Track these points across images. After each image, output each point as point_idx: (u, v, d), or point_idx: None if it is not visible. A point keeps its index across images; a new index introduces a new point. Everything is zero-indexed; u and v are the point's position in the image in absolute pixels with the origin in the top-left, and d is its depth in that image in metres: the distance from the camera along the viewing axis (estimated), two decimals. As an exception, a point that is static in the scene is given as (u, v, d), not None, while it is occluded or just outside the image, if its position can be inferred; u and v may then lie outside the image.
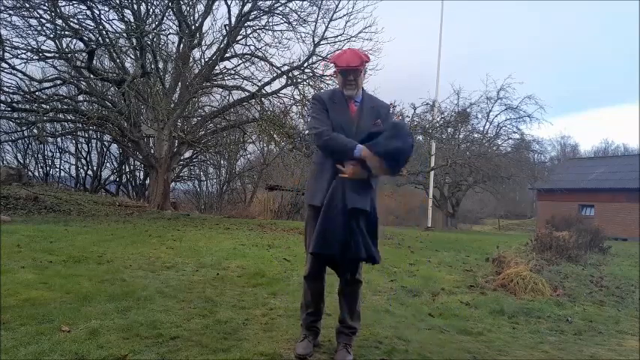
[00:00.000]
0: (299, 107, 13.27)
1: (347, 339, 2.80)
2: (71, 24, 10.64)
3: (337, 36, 13.18)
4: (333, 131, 2.67)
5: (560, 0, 61.41)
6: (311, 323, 2.86)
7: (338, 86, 2.82)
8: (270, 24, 13.20)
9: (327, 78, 12.90)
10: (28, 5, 9.64)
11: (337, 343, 2.82)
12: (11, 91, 11.37)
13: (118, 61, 12.99)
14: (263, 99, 13.59)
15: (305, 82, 13.22)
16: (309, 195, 2.80)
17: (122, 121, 13.07)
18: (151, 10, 12.26)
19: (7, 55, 10.16)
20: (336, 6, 12.85)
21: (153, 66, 12.91)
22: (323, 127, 2.69)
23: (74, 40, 11.29)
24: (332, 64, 2.79)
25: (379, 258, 2.63)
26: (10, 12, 9.65)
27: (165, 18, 12.20)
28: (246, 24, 13.26)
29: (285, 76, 13.44)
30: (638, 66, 56.98)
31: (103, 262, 5.06)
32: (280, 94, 13.78)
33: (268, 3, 12.85)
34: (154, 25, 11.75)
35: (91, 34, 11.32)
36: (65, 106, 12.75)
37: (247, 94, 13.83)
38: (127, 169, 21.55)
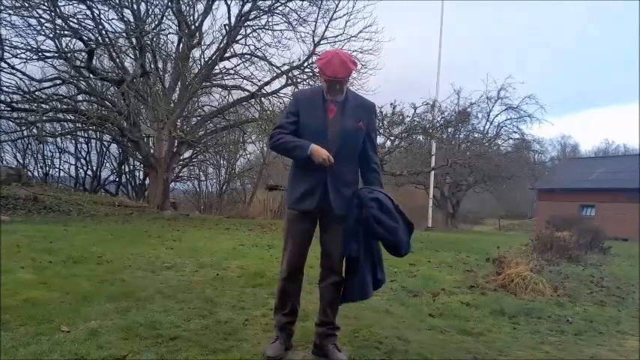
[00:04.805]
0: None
1: (335, 339, 2.77)
2: (71, 23, 10.65)
3: (337, 36, 13.19)
4: (305, 134, 2.63)
5: (561, 0, 61.37)
6: (285, 324, 2.78)
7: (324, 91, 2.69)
8: (270, 24, 13.21)
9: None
10: (27, 5, 9.62)
11: (323, 346, 2.73)
12: (11, 90, 11.36)
13: (117, 60, 12.97)
14: (263, 99, 13.59)
15: (305, 82, 13.22)
16: (292, 198, 2.72)
17: (122, 121, 13.06)
18: (151, 9, 12.27)
19: (6, 54, 10.15)
20: (336, 6, 12.86)
21: (152, 66, 12.91)
22: (276, 130, 2.69)
23: (74, 40, 11.29)
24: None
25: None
26: (10, 11, 9.65)
27: (164, 17, 12.21)
28: (245, 24, 13.26)
29: (285, 76, 13.44)
30: (638, 66, 56.97)
31: (103, 263, 5.05)
32: (280, 94, 13.79)
33: (268, 3, 12.86)
34: (153, 25, 11.74)
35: (90, 34, 11.32)
36: (65, 106, 12.74)
37: (247, 93, 13.83)
38: (127, 169, 21.55)
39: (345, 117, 2.67)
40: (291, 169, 2.84)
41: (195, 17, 13.40)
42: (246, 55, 13.81)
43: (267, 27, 13.26)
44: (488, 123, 26.14)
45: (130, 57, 13.41)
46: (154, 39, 12.31)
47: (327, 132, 2.63)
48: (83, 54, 11.49)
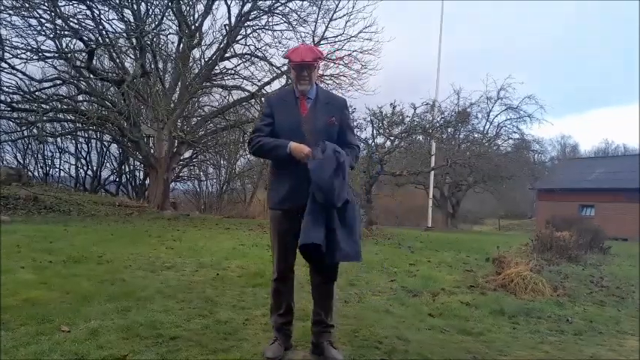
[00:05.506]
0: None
1: (329, 336, 2.76)
2: (71, 24, 10.65)
3: (337, 36, 13.21)
4: (281, 133, 2.65)
5: (561, 0, 61.36)
6: (282, 325, 2.79)
7: (293, 84, 2.75)
8: (270, 24, 13.22)
9: (327, 77, 12.90)
10: (27, 5, 9.63)
11: (319, 344, 2.73)
12: (11, 91, 11.38)
13: (117, 61, 12.98)
14: (263, 99, 13.59)
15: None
16: (276, 199, 2.73)
17: (122, 121, 13.07)
18: (151, 9, 12.28)
19: (6, 54, 10.16)
20: (336, 6, 12.88)
21: (152, 66, 12.90)
22: (254, 135, 2.72)
23: (74, 40, 11.29)
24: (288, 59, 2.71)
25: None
26: (10, 12, 9.65)
27: (164, 18, 12.21)
28: (246, 24, 13.26)
29: (285, 76, 13.44)
30: (638, 66, 56.94)
31: (103, 262, 5.06)
32: (280, 94, 13.78)
33: (268, 3, 12.87)
34: (153, 25, 11.74)
35: (90, 34, 11.32)
36: (65, 106, 12.76)
37: (247, 94, 13.83)
38: (127, 169, 21.56)
39: (317, 114, 2.70)
40: (270, 171, 2.86)
41: (196, 17, 13.43)
42: (246, 56, 13.82)
43: (267, 27, 13.27)
44: (488, 123, 26.17)
45: (130, 57, 13.42)
46: (154, 39, 12.31)
47: (301, 128, 2.65)
48: (83, 54, 11.50)
